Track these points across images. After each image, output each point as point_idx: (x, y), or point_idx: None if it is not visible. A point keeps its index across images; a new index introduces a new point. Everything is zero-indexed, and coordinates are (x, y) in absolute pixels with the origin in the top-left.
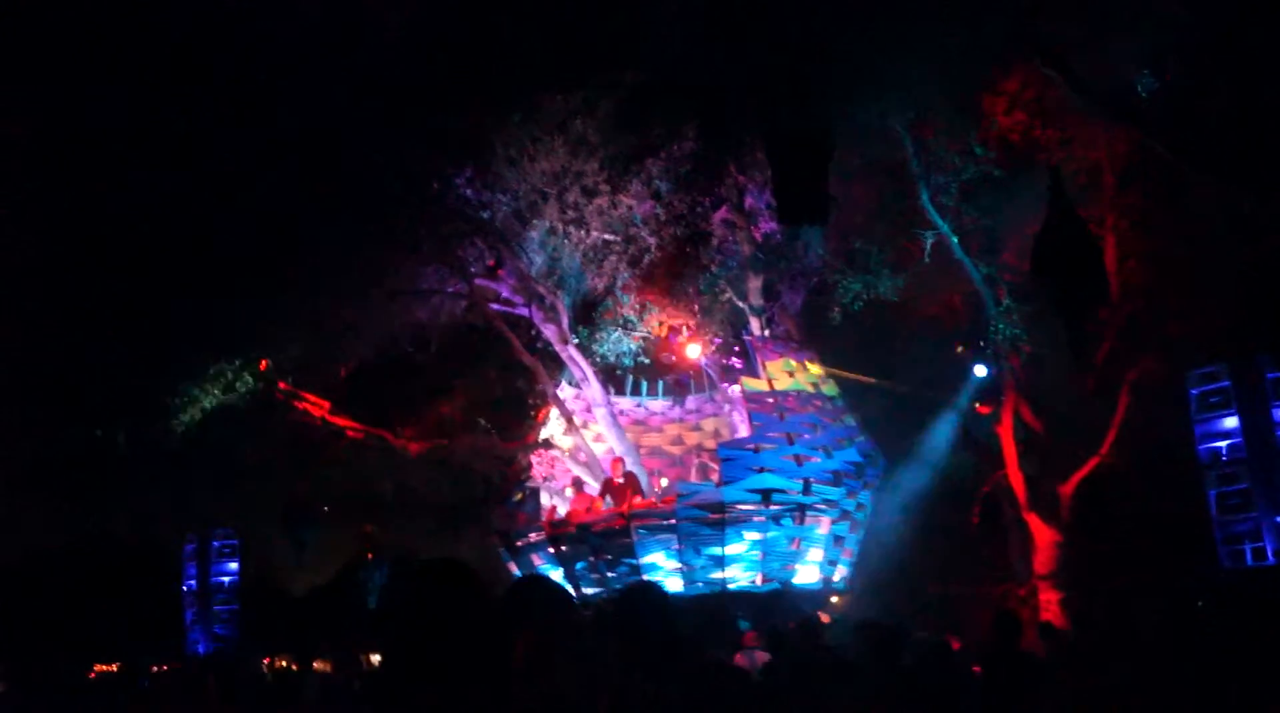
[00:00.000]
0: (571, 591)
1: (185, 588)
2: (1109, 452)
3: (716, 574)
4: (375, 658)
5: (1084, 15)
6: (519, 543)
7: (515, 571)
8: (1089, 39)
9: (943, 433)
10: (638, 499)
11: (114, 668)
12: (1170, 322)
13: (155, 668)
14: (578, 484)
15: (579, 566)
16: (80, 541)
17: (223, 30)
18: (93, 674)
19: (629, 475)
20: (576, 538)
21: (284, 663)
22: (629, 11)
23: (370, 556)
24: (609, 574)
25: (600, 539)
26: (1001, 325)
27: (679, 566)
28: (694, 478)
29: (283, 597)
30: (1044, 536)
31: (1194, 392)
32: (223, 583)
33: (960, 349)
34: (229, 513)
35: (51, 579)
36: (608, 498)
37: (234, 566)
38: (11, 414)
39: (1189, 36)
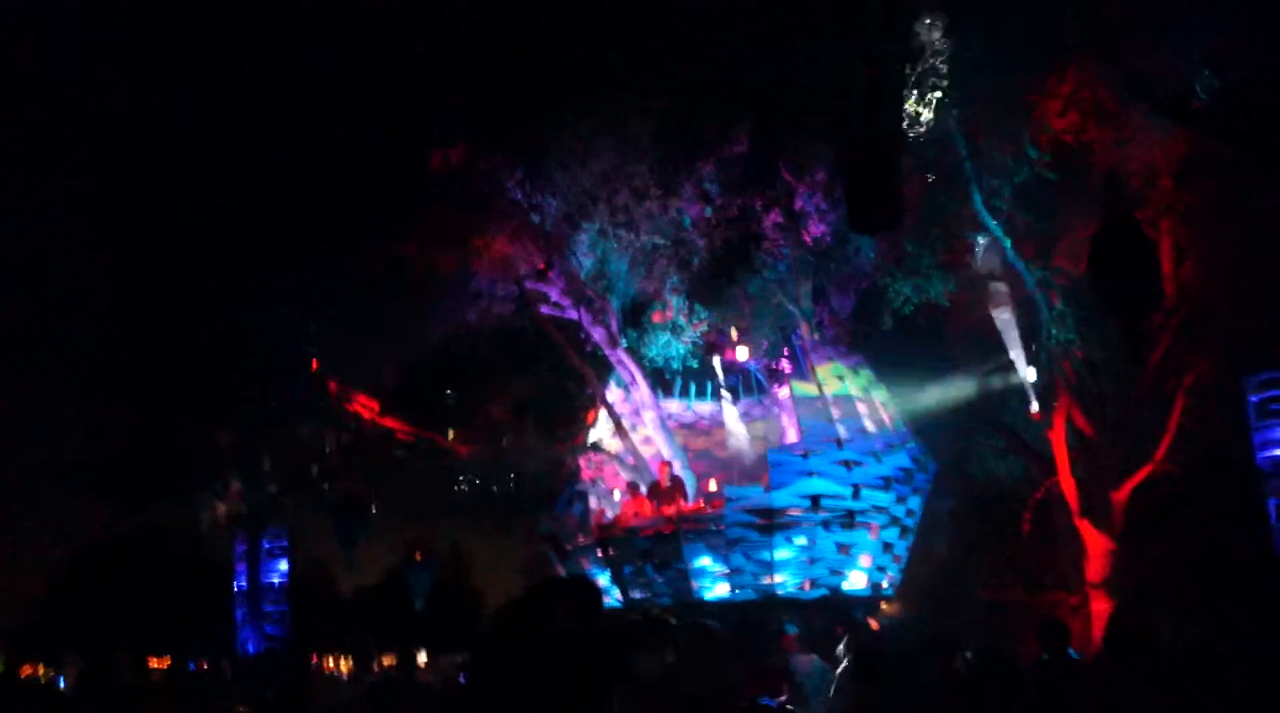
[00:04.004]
0: (619, 595)
1: (236, 587)
2: (1164, 458)
3: (765, 580)
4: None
5: (1142, 14)
6: (567, 546)
7: (563, 573)
8: (1148, 38)
9: (994, 438)
10: (685, 503)
11: (165, 664)
12: (1228, 325)
13: (207, 666)
14: (632, 488)
15: (627, 570)
16: (133, 538)
17: (278, 27)
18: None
19: (676, 479)
20: (624, 542)
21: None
22: (684, 10)
23: (419, 557)
24: (657, 579)
25: (648, 543)
26: (1054, 329)
27: (726, 571)
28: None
29: (332, 597)
30: (1097, 543)
31: (1253, 398)
32: (273, 583)
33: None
34: (280, 513)
35: (105, 575)
36: (656, 502)
37: (284, 565)
38: (69, 410)
39: (1249, 35)
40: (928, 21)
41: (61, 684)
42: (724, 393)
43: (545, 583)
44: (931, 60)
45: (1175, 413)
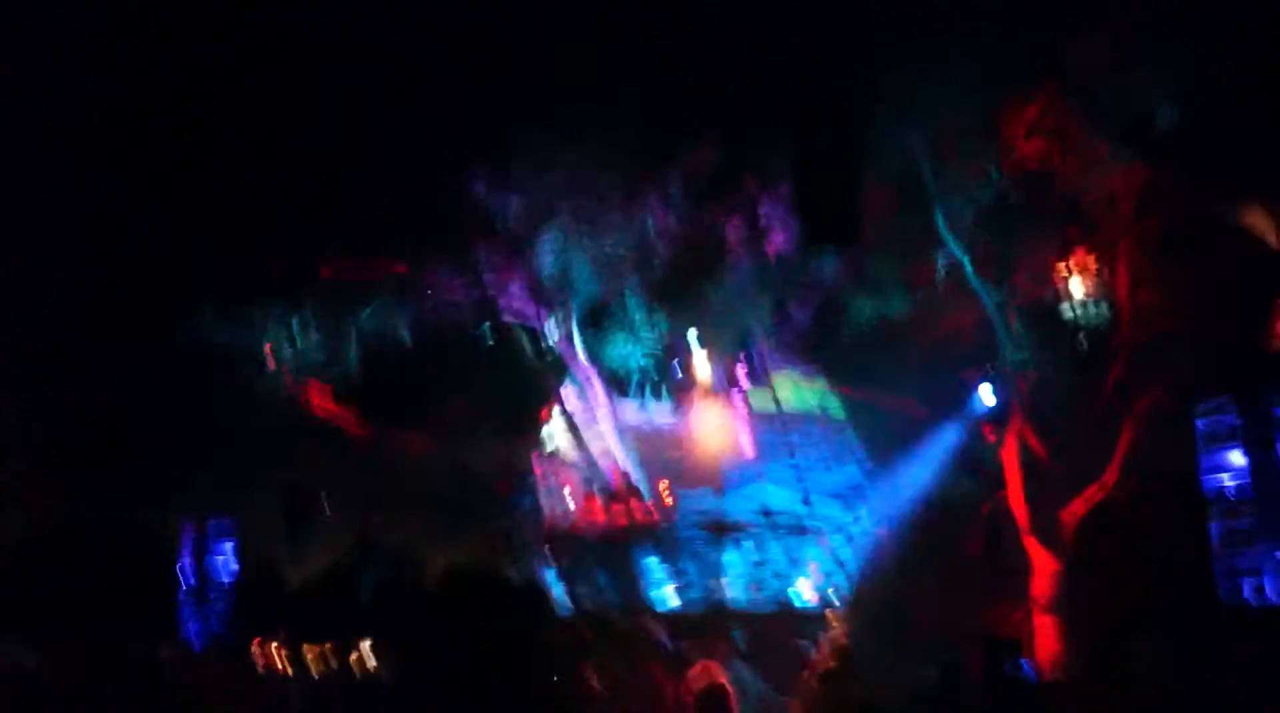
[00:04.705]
0: (568, 597)
1: (180, 575)
2: (1115, 481)
3: (712, 585)
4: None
5: (1106, 44)
6: (518, 544)
7: (513, 573)
8: (1111, 68)
9: (947, 455)
10: (637, 505)
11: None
12: (1179, 352)
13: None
14: (585, 489)
15: (576, 572)
16: (76, 524)
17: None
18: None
19: (629, 483)
20: (575, 543)
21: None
22: (655, 18)
23: (366, 550)
24: (606, 582)
25: (599, 545)
26: (1010, 350)
27: (676, 576)
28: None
29: (278, 587)
30: (1043, 561)
31: (1200, 424)
32: (218, 571)
33: (968, 374)
34: (227, 502)
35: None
36: (609, 505)
37: (230, 554)
38: (14, 395)
39: (1212, 68)
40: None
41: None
42: (678, 398)
43: (483, 584)
44: None
45: (1124, 436)
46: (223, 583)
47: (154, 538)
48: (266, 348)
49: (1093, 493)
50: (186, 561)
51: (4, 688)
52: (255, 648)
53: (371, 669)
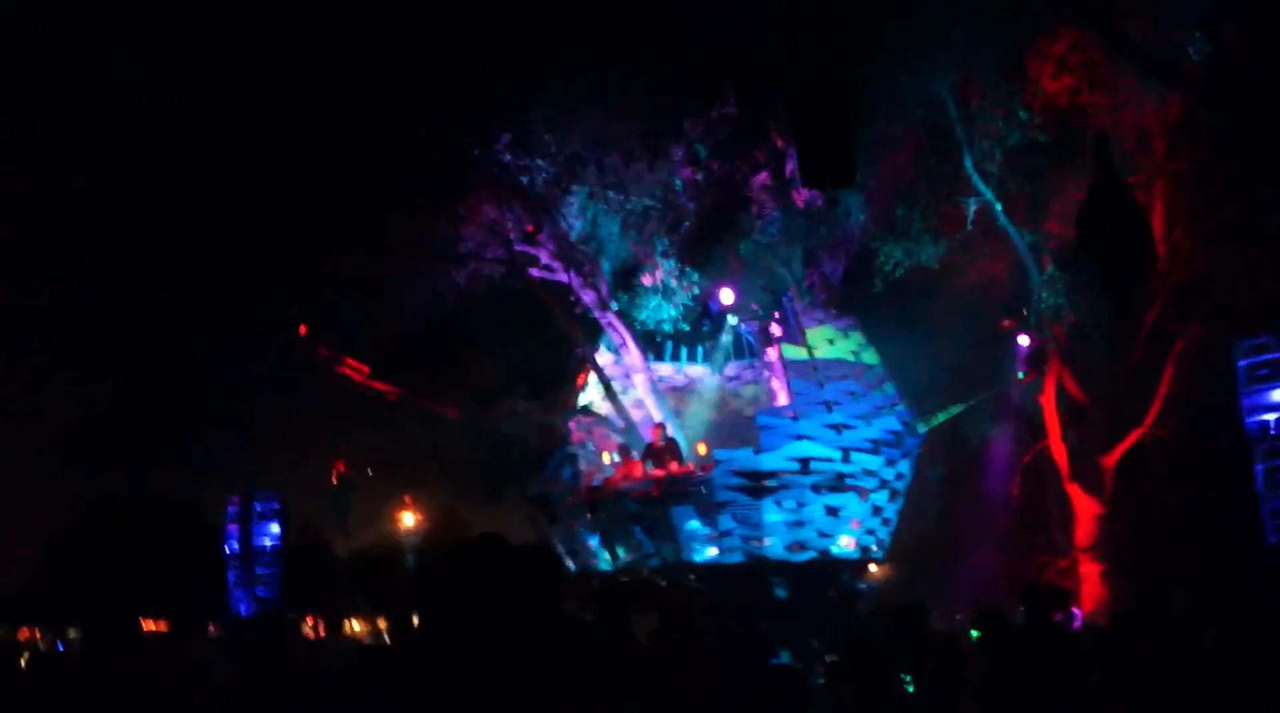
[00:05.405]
0: (609, 557)
1: (227, 550)
2: (1153, 423)
3: (754, 543)
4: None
5: None
6: (558, 508)
7: (554, 536)
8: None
9: (985, 402)
10: (678, 466)
11: (161, 627)
12: (1218, 290)
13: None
14: (623, 451)
15: (616, 532)
16: (125, 502)
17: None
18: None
19: (670, 441)
20: (613, 504)
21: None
22: None
23: (410, 519)
24: (646, 541)
25: (637, 506)
26: (1045, 294)
27: (715, 533)
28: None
29: (325, 559)
30: (1085, 508)
31: (1242, 363)
32: (265, 546)
33: (1006, 324)
34: (272, 476)
35: (97, 538)
36: (648, 464)
37: (276, 528)
38: (58, 375)
39: None
40: None
41: (61, 649)
42: (713, 357)
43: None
44: None
45: (1165, 378)
46: (269, 557)
47: (200, 515)
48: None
49: (1135, 437)
50: (233, 536)
51: (51, 669)
52: (306, 622)
53: (415, 640)
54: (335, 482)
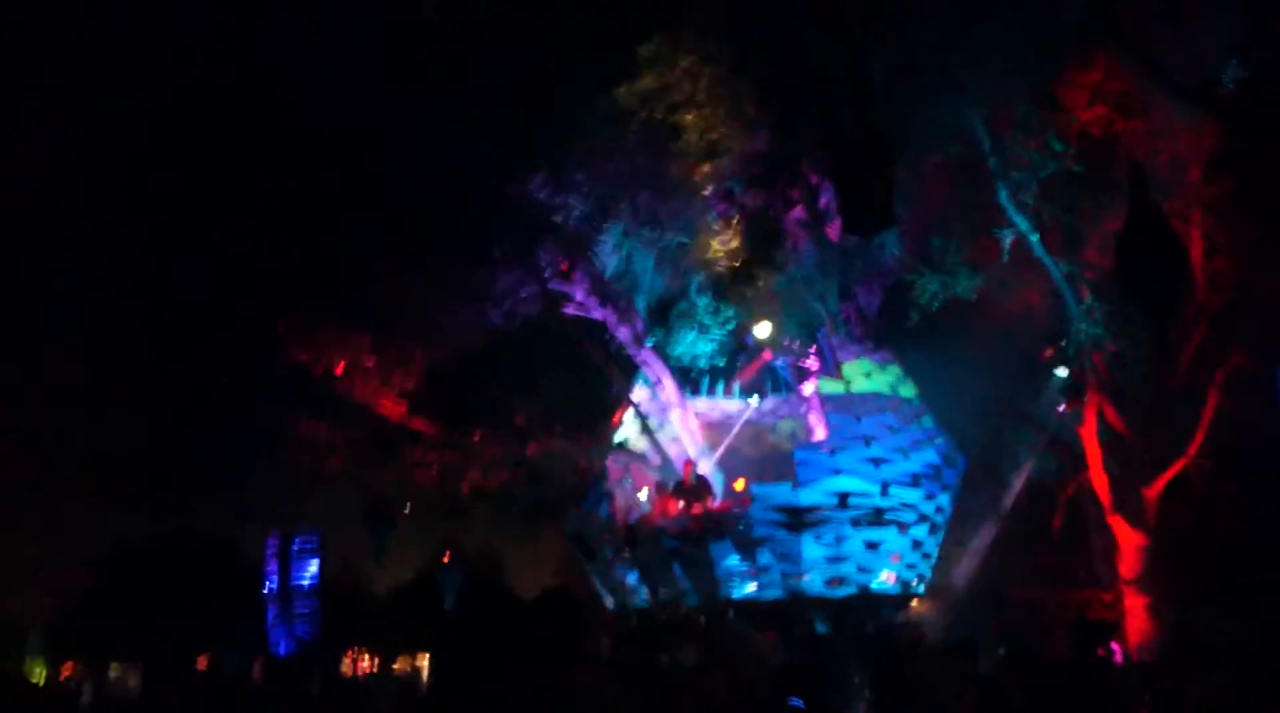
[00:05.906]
0: (648, 594)
1: (266, 588)
2: (1197, 452)
3: (793, 579)
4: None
5: (1167, 1)
6: (595, 545)
7: (592, 573)
8: (1173, 27)
9: (1024, 435)
10: (713, 502)
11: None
12: (1260, 317)
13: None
14: (660, 488)
15: (654, 568)
16: (165, 539)
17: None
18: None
19: (701, 479)
20: (651, 541)
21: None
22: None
23: (448, 557)
24: (684, 578)
25: (675, 542)
26: (1084, 324)
27: (754, 569)
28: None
29: (363, 597)
30: (1129, 539)
31: None
32: (303, 583)
33: (1048, 354)
34: (310, 513)
35: (137, 575)
36: (683, 501)
37: (314, 566)
38: (98, 411)
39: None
40: None
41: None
42: (750, 392)
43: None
44: None
45: (1208, 407)
46: (308, 596)
47: (240, 553)
48: (340, 365)
49: (1178, 468)
50: (272, 574)
51: (107, 706)
52: (346, 659)
53: (451, 678)
54: (373, 519)
